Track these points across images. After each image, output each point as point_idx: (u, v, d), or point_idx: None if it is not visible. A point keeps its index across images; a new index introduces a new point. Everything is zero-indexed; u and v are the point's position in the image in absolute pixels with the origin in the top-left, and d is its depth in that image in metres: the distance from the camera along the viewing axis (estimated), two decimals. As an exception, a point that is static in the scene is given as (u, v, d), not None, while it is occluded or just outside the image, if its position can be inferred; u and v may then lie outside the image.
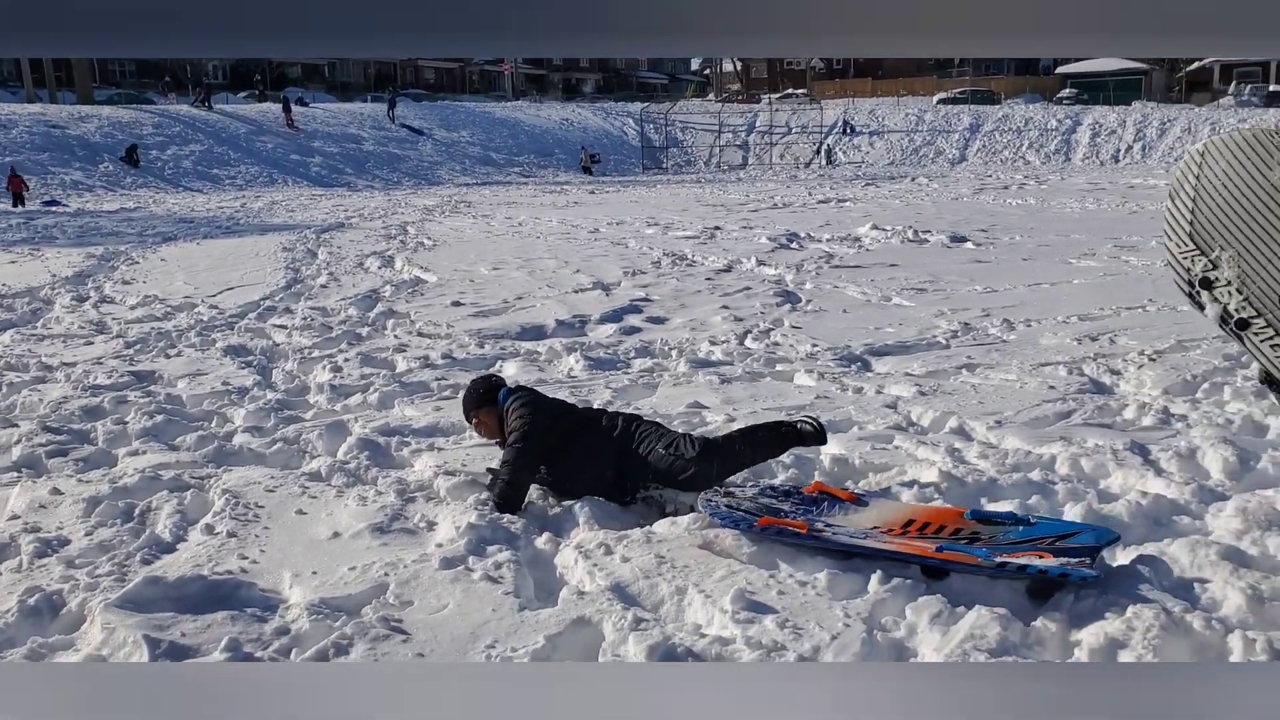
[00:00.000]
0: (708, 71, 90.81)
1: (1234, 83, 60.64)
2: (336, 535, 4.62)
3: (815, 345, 8.09)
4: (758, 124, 54.73)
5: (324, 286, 11.75)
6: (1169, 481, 4.84)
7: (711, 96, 70.10)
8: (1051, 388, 6.57)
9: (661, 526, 4.54)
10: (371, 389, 7.09)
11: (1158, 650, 3.19)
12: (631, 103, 62.70)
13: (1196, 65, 66.14)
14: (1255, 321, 5.73)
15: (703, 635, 3.59)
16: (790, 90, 65.40)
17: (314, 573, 4.22)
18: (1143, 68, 64.57)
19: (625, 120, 55.27)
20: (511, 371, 7.70)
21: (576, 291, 11.03)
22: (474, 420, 5.30)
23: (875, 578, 3.86)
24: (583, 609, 3.79)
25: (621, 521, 4.68)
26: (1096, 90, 59.86)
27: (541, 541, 4.51)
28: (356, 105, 51.70)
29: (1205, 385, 6.44)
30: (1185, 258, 6.02)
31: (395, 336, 8.91)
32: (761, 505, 4.50)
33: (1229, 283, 5.79)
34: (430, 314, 9.92)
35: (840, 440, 5.53)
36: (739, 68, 79.11)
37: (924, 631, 3.54)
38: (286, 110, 43.76)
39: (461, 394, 5.52)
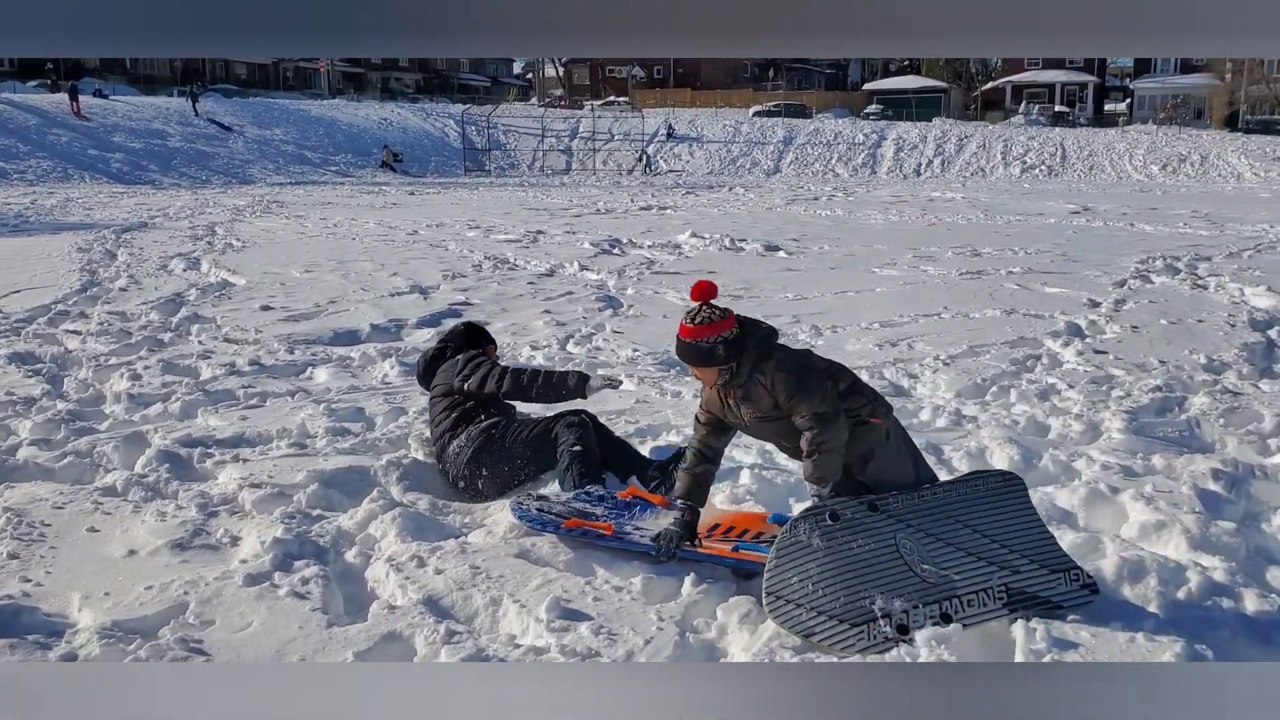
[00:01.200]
0: (530, 75, 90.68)
1: (1024, 102, 64.59)
2: (132, 553, 4.39)
3: (636, 350, 8.18)
4: (581, 129, 54.93)
5: (123, 290, 11.13)
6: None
7: (534, 100, 70.01)
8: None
9: (477, 537, 4.50)
10: (173, 398, 6.76)
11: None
12: (453, 104, 61.95)
13: (990, 85, 70.19)
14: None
15: (516, 645, 3.58)
16: (613, 97, 65.94)
17: (106, 593, 4.00)
18: (943, 86, 68.04)
19: (446, 121, 54.55)
20: (323, 379, 7.48)
21: (393, 295, 10.81)
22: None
23: (688, 580, 3.94)
24: (393, 623, 3.72)
25: (436, 532, 4.61)
26: (900, 106, 62.65)
27: (352, 555, 4.41)
28: (161, 99, 49.17)
29: (994, 389, 6.82)
30: None
31: (200, 342, 8.53)
32: (573, 509, 4.52)
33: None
34: (238, 319, 9.53)
35: (658, 444, 5.63)
36: (561, 73, 79.27)
37: (734, 631, 3.63)
38: (73, 99, 41.19)
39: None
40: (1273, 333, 8.45)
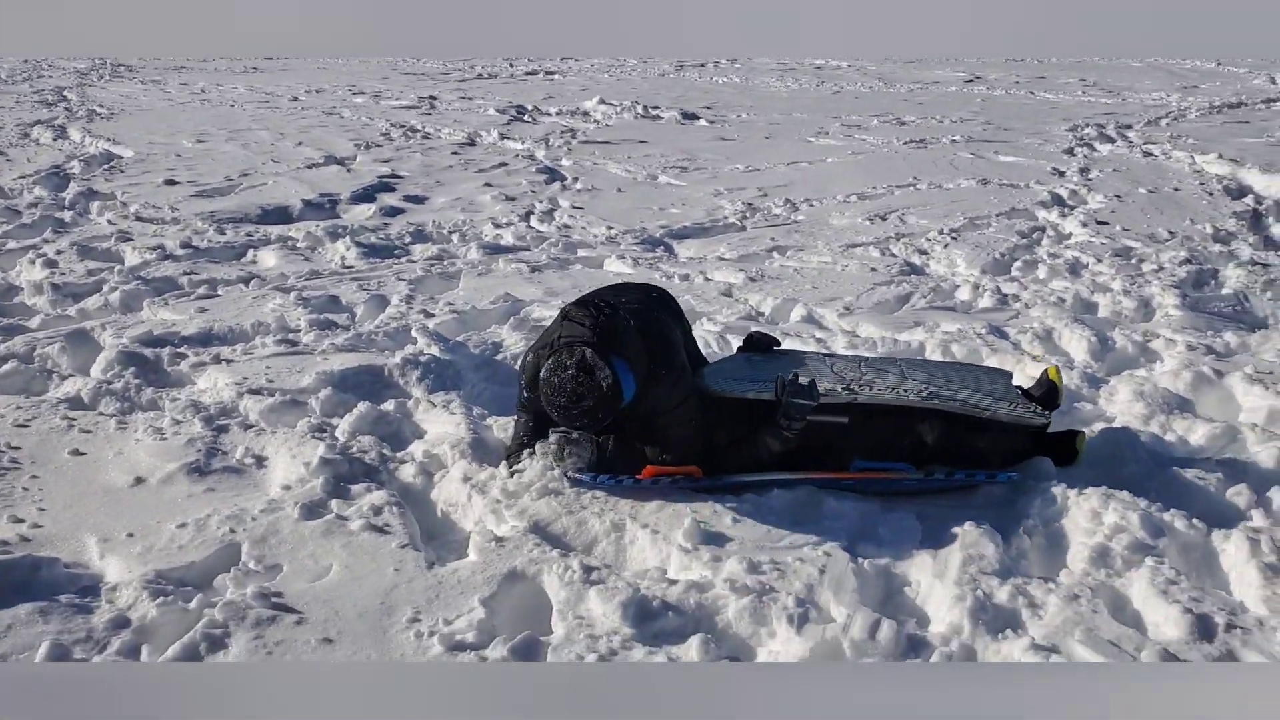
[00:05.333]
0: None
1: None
2: (140, 481, 3.61)
3: (611, 228, 7.49)
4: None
5: (-11, 160, 9.71)
6: (1044, 364, 4.70)
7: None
8: (873, 270, 6.37)
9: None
10: (106, 286, 5.80)
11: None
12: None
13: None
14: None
15: (671, 581, 3.00)
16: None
17: (129, 534, 3.25)
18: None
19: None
20: (271, 263, 6.59)
21: (309, 167, 9.74)
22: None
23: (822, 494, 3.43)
24: (509, 560, 3.09)
25: (492, 446, 3.93)
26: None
27: (410, 474, 3.72)
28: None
29: (1017, 264, 6.45)
30: None
31: (110, 222, 7.42)
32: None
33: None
34: (142, 194, 8.38)
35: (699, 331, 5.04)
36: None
37: (914, 555, 3.16)
38: None
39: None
40: (1249, 200, 8.33)
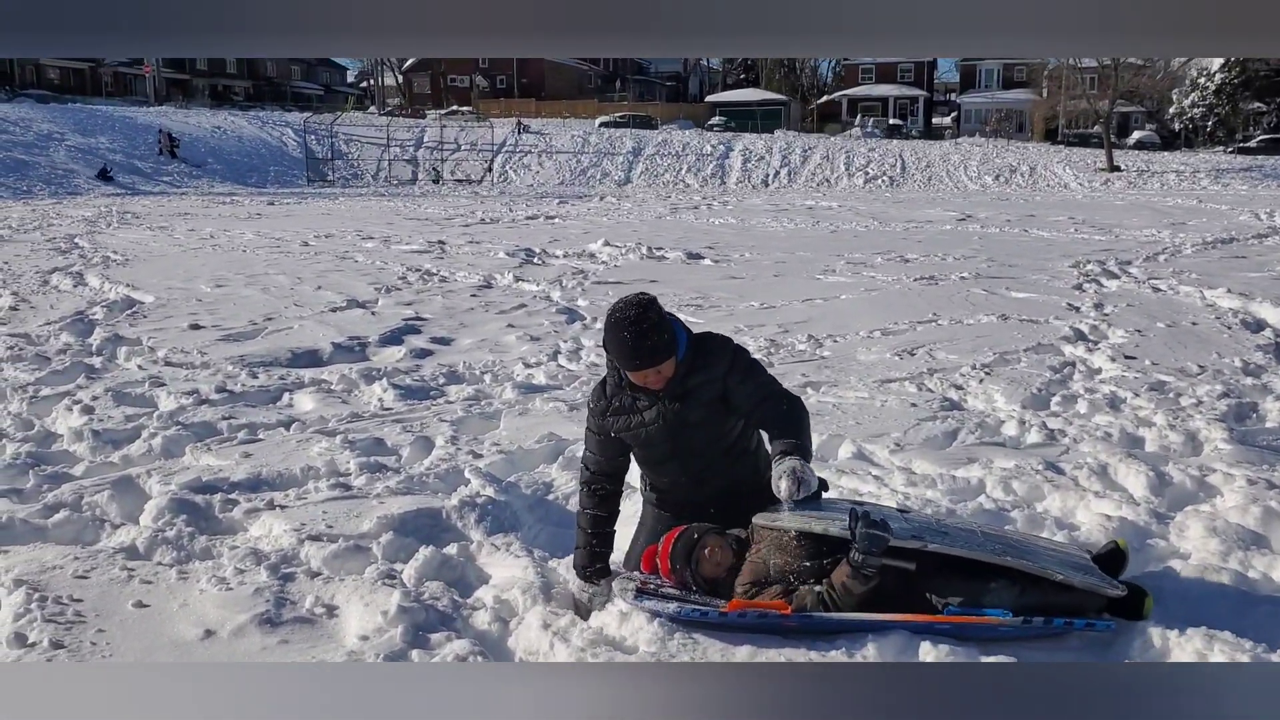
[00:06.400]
0: (365, 85, 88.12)
1: (859, 115, 66.56)
2: (210, 634, 3.49)
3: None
4: (426, 139, 53.49)
5: (13, 309, 9.72)
6: (1108, 500, 4.67)
7: (373, 109, 67.84)
8: (914, 405, 6.37)
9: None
10: (146, 433, 5.74)
11: None
12: (287, 112, 59.33)
13: (826, 99, 72.07)
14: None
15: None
16: (456, 107, 64.58)
17: (209, 693, 3.12)
18: (783, 99, 69.46)
19: (284, 130, 52.14)
20: (309, 406, 6.55)
21: (333, 310, 9.80)
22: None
23: (925, 645, 3.30)
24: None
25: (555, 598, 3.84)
26: (744, 119, 63.59)
27: (485, 620, 3.62)
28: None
29: (1056, 398, 6.47)
30: None
31: (139, 368, 7.40)
32: (691, 602, 3.55)
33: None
34: (168, 339, 8.39)
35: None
36: (400, 81, 77.28)
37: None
38: None
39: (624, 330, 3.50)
40: (1266, 334, 8.44)
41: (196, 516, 4.56)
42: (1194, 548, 4.16)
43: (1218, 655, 3.14)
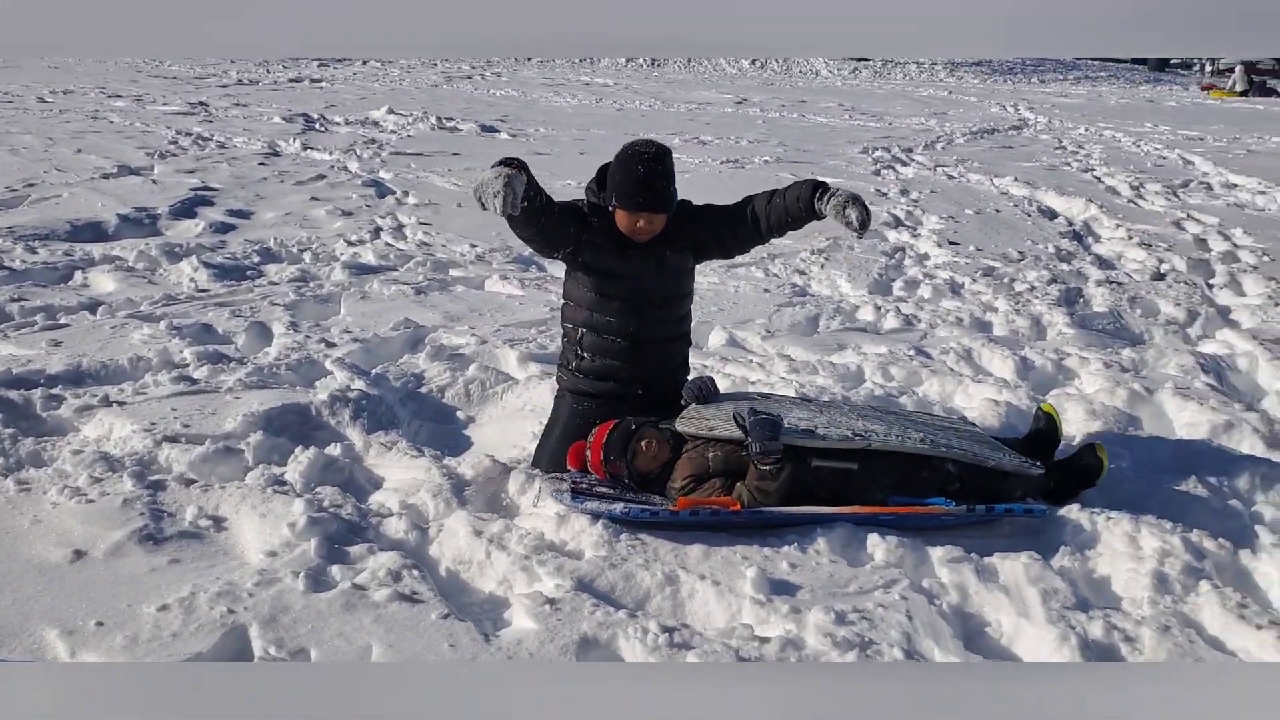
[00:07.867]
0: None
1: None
2: (81, 555, 3.01)
3: (474, 245, 7.11)
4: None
5: None
6: (985, 385, 4.78)
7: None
8: (766, 291, 6.32)
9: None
10: (-77, 318, 4.91)
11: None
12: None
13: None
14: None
15: (763, 640, 2.74)
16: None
17: (98, 623, 2.69)
18: None
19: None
20: (111, 287, 5.80)
21: (104, 178, 8.70)
22: None
23: (874, 539, 3.26)
24: (577, 625, 2.75)
25: (485, 492, 3.58)
26: None
27: (400, 529, 3.29)
28: None
29: (898, 283, 6.59)
30: None
31: (-114, 238, 6.33)
32: (635, 501, 3.43)
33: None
34: (-89, 205, 7.22)
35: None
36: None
37: (978, 591, 3.06)
38: None
39: None
40: (1060, 221, 8.92)
41: (15, 415, 3.93)
42: (1078, 430, 4.32)
43: (1146, 536, 3.25)
